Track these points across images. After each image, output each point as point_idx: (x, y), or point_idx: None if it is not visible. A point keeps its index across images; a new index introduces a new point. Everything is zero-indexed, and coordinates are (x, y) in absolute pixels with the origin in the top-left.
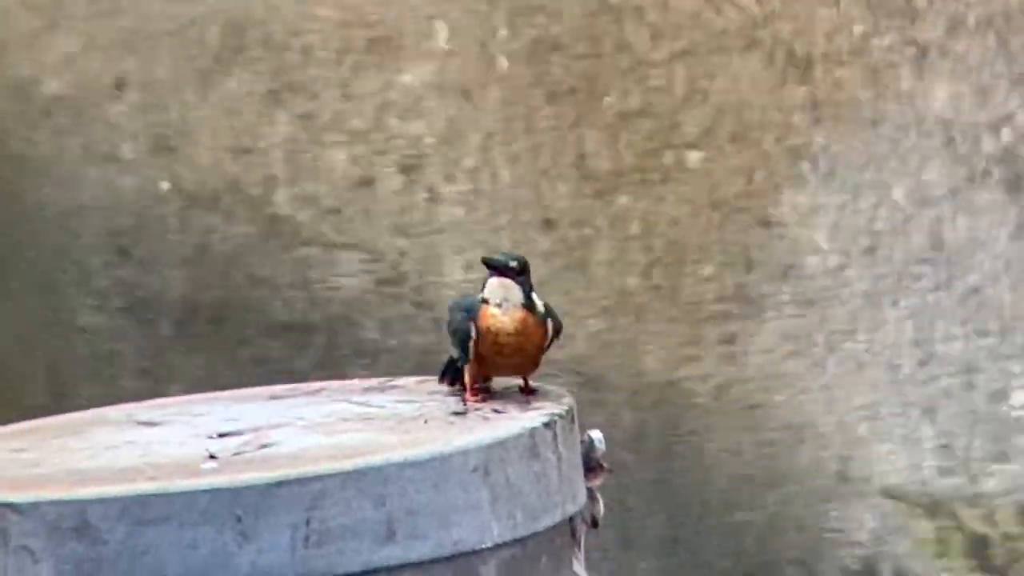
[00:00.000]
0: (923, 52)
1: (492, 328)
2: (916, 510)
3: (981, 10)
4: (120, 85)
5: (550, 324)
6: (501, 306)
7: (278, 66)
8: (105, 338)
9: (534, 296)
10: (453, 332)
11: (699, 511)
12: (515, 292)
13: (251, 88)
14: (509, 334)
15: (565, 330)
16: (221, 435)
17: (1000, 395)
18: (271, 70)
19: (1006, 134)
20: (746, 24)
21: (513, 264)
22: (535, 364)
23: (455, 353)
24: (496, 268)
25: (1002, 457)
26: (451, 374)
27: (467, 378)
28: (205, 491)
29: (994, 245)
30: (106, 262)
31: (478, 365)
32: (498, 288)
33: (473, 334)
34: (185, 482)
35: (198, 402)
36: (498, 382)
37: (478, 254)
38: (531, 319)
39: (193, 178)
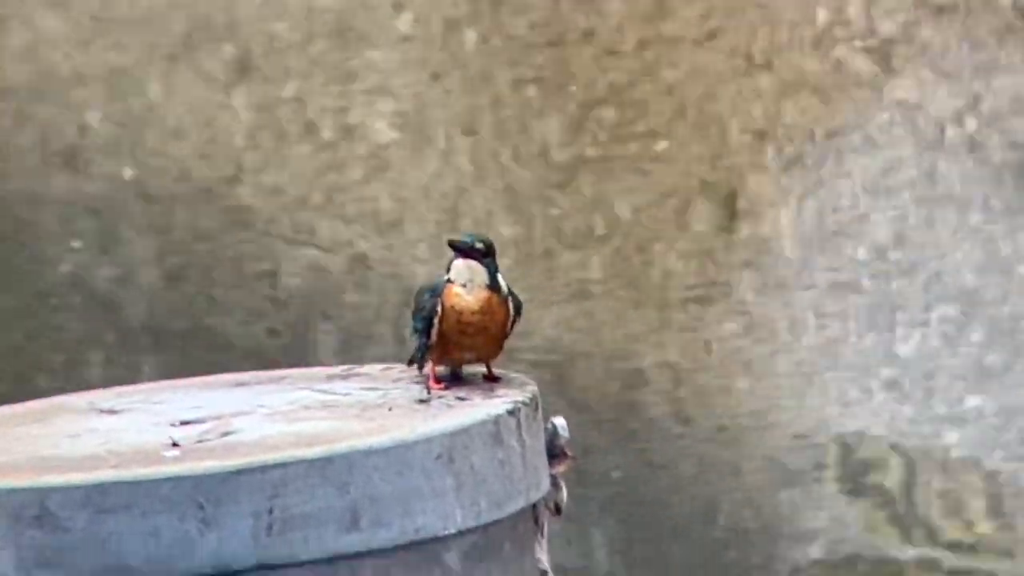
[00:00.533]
0: (887, 41)
1: (456, 307)
2: (874, 493)
3: None
4: (81, 74)
5: (510, 304)
6: (466, 286)
7: (242, 54)
8: (67, 329)
9: (499, 278)
10: (418, 310)
11: (661, 497)
12: (480, 273)
13: (214, 76)
14: (473, 312)
15: (529, 317)
16: (183, 423)
17: (961, 384)
18: (235, 58)
19: (970, 123)
20: (710, 13)
21: (479, 245)
22: (499, 347)
23: (415, 336)
24: (461, 250)
25: (962, 446)
26: (420, 358)
27: (430, 364)
28: (167, 479)
29: (957, 233)
30: (67, 252)
31: (442, 348)
32: (464, 269)
33: (438, 311)
34: (147, 470)
35: (160, 390)
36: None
37: (443, 241)
38: (495, 299)
39: (156, 168)
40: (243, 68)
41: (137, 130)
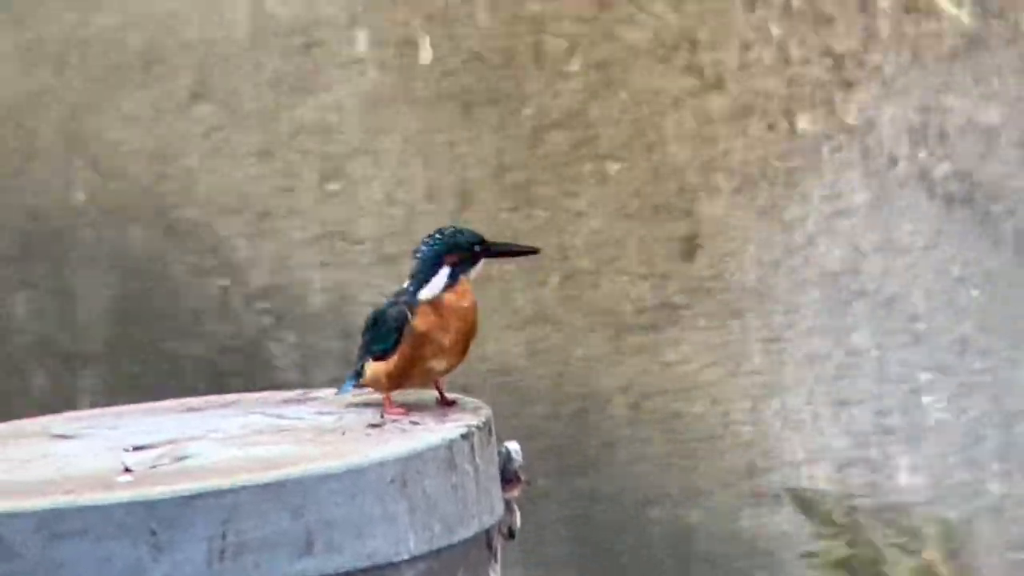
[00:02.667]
0: (839, 62)
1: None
2: (831, 516)
3: (895, 20)
4: (37, 93)
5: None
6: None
7: (196, 74)
8: (18, 348)
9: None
10: (384, 321)
11: (616, 520)
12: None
13: (168, 96)
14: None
15: (483, 340)
16: (137, 448)
17: (914, 403)
18: (189, 78)
19: (922, 147)
20: (663, 34)
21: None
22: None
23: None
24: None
25: (916, 467)
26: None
27: (384, 389)
28: (120, 504)
29: (910, 254)
30: (19, 272)
31: (406, 369)
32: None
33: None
34: (100, 495)
35: (113, 415)
36: (415, 395)
37: (396, 263)
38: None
39: (109, 187)
40: (196, 88)
41: (89, 151)
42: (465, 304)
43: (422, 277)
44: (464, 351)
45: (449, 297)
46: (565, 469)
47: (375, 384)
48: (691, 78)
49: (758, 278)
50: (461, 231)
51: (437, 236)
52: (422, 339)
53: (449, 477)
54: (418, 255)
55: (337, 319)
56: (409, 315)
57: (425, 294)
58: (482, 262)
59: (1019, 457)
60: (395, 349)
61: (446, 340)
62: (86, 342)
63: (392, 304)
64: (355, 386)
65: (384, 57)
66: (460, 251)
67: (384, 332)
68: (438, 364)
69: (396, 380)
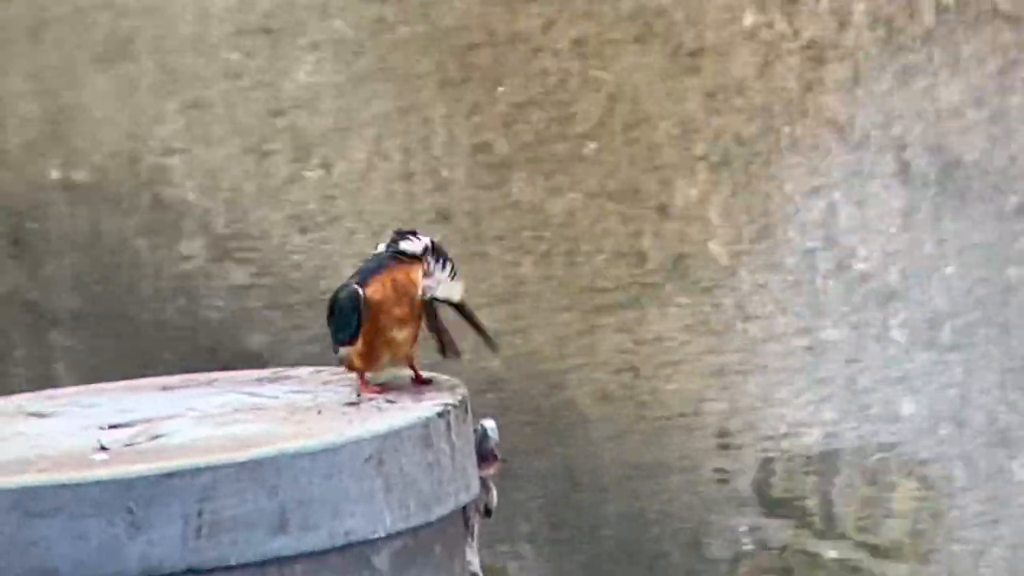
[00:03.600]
0: (812, 43)
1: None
2: (801, 496)
3: (868, 2)
4: (6, 73)
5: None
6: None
7: (169, 54)
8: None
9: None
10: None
11: (591, 498)
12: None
13: (141, 76)
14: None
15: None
16: (112, 426)
17: (885, 383)
18: (161, 58)
19: (896, 125)
20: (638, 14)
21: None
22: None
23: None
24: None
25: (886, 447)
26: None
27: (358, 369)
28: (96, 482)
29: (882, 234)
30: None
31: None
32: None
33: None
34: (75, 473)
35: (89, 393)
36: (391, 374)
37: (370, 244)
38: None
39: (82, 165)
40: (170, 69)
41: (63, 130)
42: (413, 276)
43: (375, 264)
44: (419, 317)
45: (398, 272)
46: (539, 447)
47: (348, 366)
48: (666, 57)
49: (732, 256)
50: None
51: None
52: (378, 309)
53: (425, 455)
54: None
55: (313, 300)
56: (360, 291)
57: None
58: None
59: (993, 437)
60: (358, 330)
61: (400, 310)
62: (56, 323)
63: (342, 287)
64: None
65: (358, 36)
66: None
67: (344, 317)
68: (399, 333)
69: (366, 358)
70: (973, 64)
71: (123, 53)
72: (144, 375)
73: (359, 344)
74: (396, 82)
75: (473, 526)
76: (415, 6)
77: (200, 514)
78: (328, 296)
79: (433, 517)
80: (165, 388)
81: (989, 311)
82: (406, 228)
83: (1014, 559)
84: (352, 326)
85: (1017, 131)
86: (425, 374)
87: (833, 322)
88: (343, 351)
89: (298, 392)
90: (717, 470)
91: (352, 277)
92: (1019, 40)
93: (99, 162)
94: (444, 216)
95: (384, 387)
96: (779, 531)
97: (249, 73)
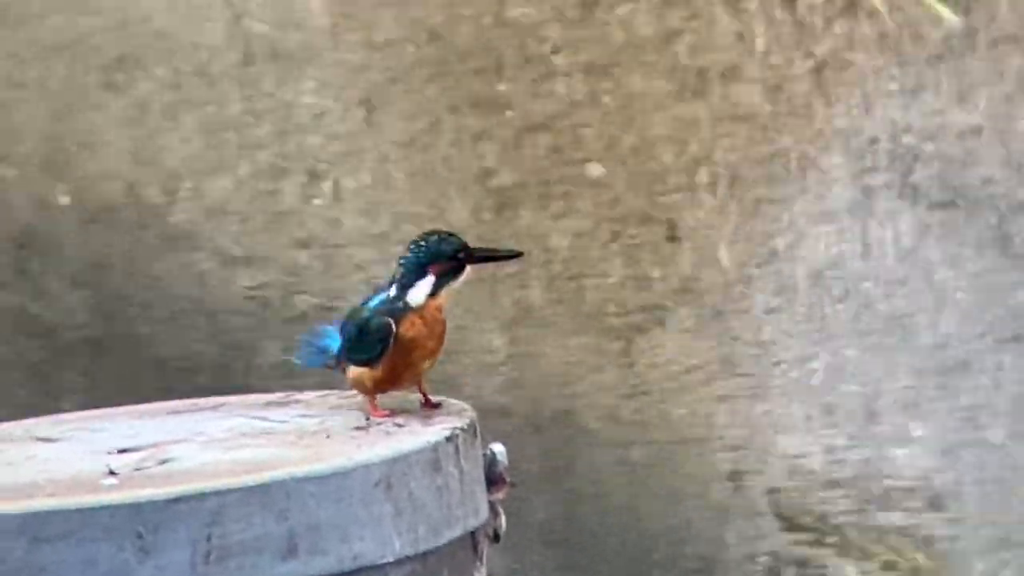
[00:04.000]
0: (820, 66)
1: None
2: (811, 520)
3: (875, 26)
4: (18, 94)
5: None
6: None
7: (178, 76)
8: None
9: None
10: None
11: (598, 524)
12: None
13: (151, 98)
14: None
15: (468, 343)
16: (121, 451)
17: (894, 407)
18: (171, 80)
19: (904, 148)
20: (647, 38)
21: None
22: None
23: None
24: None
25: (893, 473)
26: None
27: (369, 392)
28: (105, 507)
29: (891, 258)
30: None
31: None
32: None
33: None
34: (85, 498)
35: (97, 418)
36: (399, 397)
37: (379, 267)
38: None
39: (91, 189)
40: (180, 91)
41: (72, 155)
42: (443, 311)
43: (406, 283)
44: (441, 346)
45: (432, 305)
46: (547, 472)
47: (359, 387)
48: (674, 82)
49: (740, 281)
50: (445, 239)
51: (422, 244)
52: (411, 346)
53: (434, 479)
54: (402, 262)
55: (320, 323)
56: (394, 327)
57: (411, 302)
58: (468, 270)
59: (1003, 461)
60: (380, 359)
61: (431, 344)
62: (63, 346)
63: (374, 314)
64: (325, 366)
65: (367, 61)
66: (444, 260)
67: (368, 343)
68: (426, 365)
69: (382, 385)
70: (981, 88)
71: (132, 77)
72: (152, 399)
73: (379, 371)
74: (404, 105)
75: (482, 551)
76: (424, 30)
77: (209, 539)
78: (347, 310)
79: (442, 541)
80: (173, 412)
81: (998, 335)
82: (441, 231)
83: None
84: (374, 353)
85: None
86: (434, 398)
87: (842, 346)
88: (355, 370)
89: (306, 416)
90: (726, 494)
91: (390, 289)
92: None
93: (107, 187)
94: None
95: (393, 411)
96: (790, 554)
97: (257, 94)
